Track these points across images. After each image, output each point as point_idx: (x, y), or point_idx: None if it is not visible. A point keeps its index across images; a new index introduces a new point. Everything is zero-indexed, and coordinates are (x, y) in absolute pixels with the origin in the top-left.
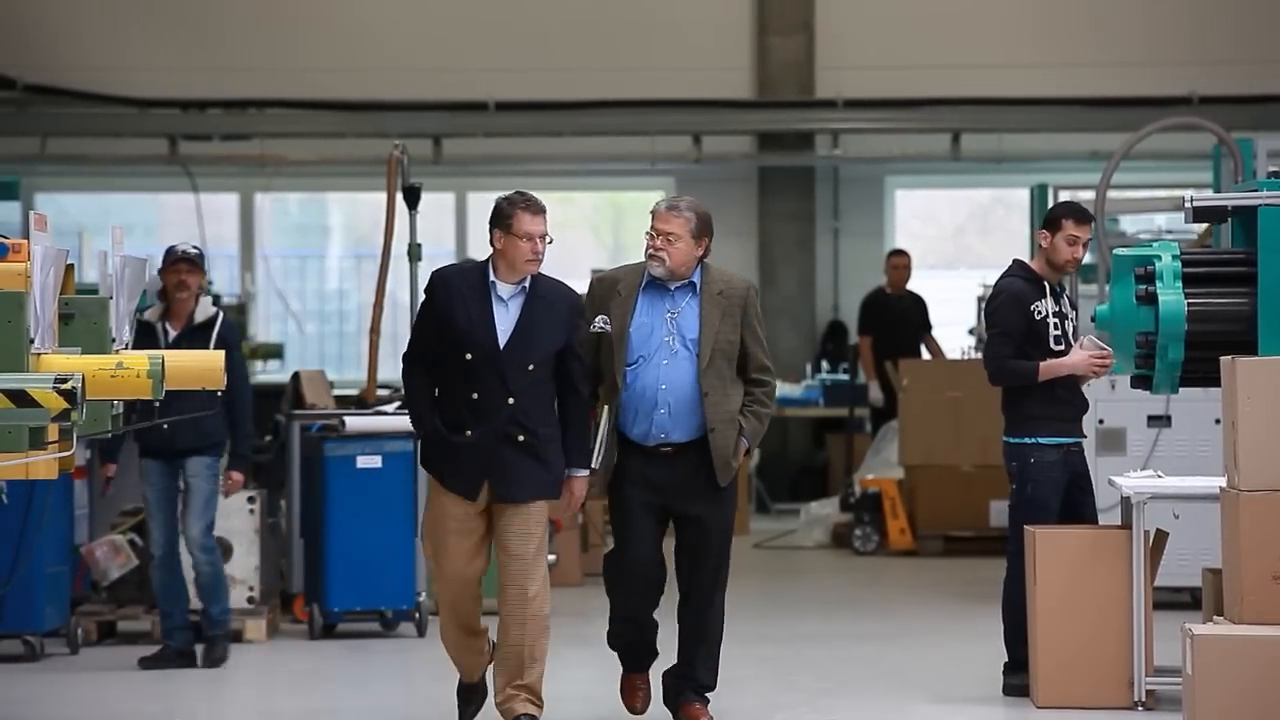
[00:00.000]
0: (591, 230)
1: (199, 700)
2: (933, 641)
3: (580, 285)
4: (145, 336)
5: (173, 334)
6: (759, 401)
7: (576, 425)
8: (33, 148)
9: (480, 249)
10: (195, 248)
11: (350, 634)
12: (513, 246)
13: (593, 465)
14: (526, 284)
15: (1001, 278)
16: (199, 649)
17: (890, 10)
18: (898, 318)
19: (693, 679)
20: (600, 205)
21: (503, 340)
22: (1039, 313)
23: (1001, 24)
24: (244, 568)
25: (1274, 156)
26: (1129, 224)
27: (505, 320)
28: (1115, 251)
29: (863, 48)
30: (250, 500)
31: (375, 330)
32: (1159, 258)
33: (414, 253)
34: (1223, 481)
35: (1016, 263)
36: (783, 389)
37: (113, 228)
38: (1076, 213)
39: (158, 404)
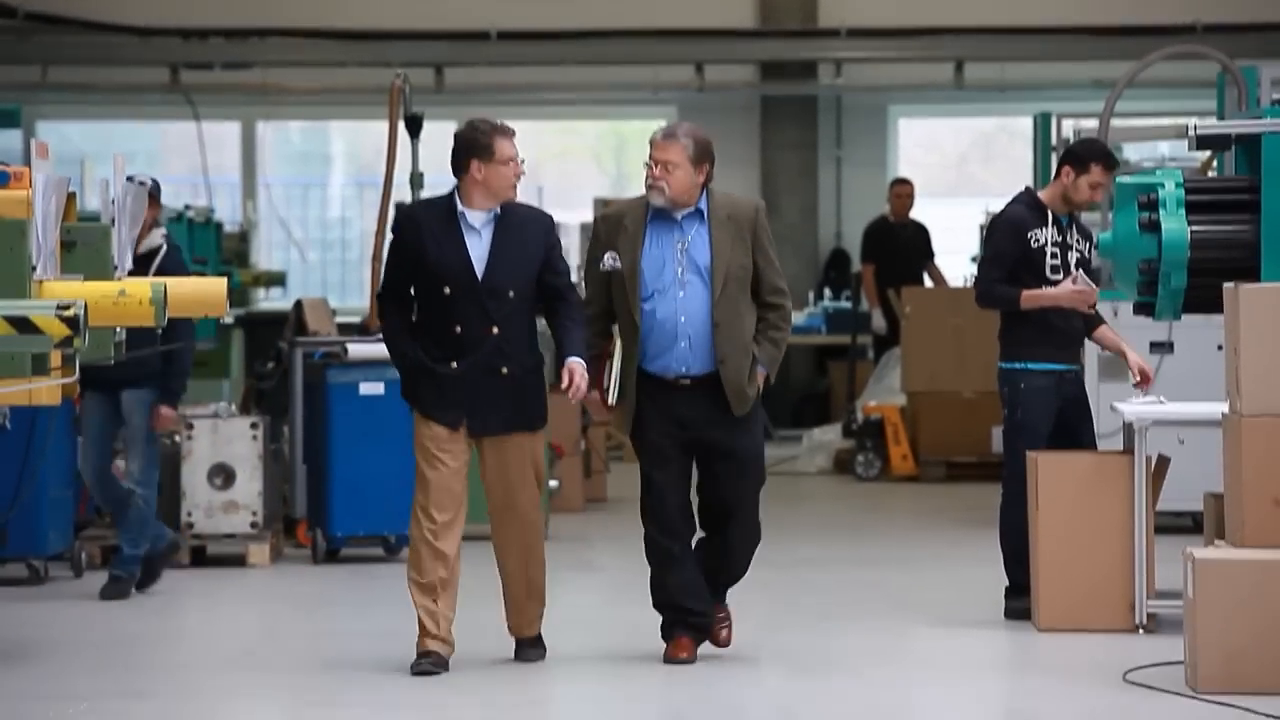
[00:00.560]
0: (594, 159)
1: (201, 625)
2: (934, 566)
3: (584, 214)
4: None
5: None
6: (774, 326)
7: (573, 323)
8: (34, 76)
9: (444, 184)
10: (151, 179)
11: (353, 559)
12: (495, 174)
13: (609, 401)
14: (497, 210)
15: (1007, 204)
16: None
17: None
18: (900, 246)
19: (715, 585)
20: (603, 134)
21: (480, 270)
22: (1036, 240)
23: None
24: (247, 493)
25: (1278, 84)
26: (1132, 152)
27: (480, 249)
28: (1118, 179)
29: None
30: (253, 427)
31: (377, 258)
32: (1162, 185)
33: (416, 181)
34: (1224, 407)
35: (1025, 190)
36: None
37: (114, 156)
38: (1107, 157)
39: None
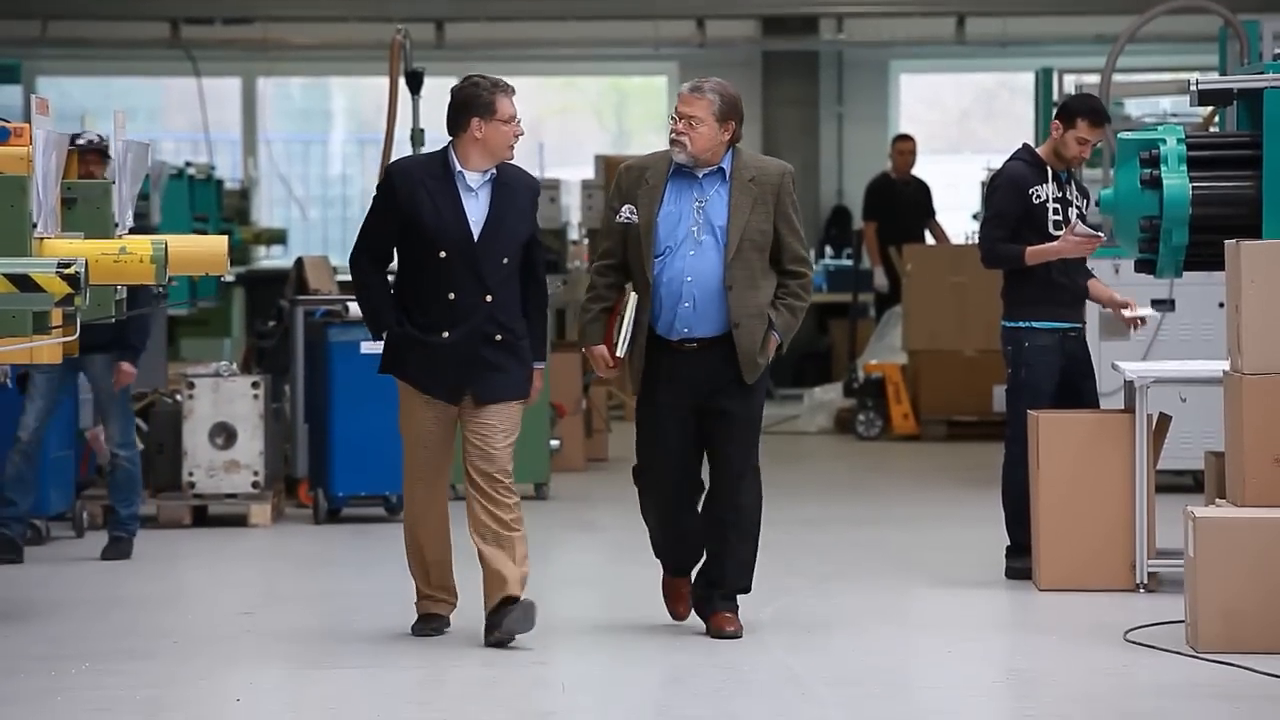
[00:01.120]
0: (595, 114)
1: (204, 585)
2: (935, 526)
3: (585, 170)
4: None
5: None
6: (792, 294)
7: (537, 317)
8: (34, 31)
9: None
10: (102, 138)
11: (354, 518)
12: (496, 132)
13: (617, 353)
14: (494, 171)
15: (1006, 161)
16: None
17: None
18: (902, 203)
19: (722, 583)
20: (604, 90)
21: (476, 233)
22: (1037, 197)
23: None
24: (248, 453)
25: None
26: (1134, 107)
27: (476, 212)
28: (1120, 135)
29: None
30: (254, 386)
31: None
32: (1164, 141)
33: (417, 138)
34: (1225, 365)
35: (1024, 146)
36: None
37: (115, 112)
38: (1093, 114)
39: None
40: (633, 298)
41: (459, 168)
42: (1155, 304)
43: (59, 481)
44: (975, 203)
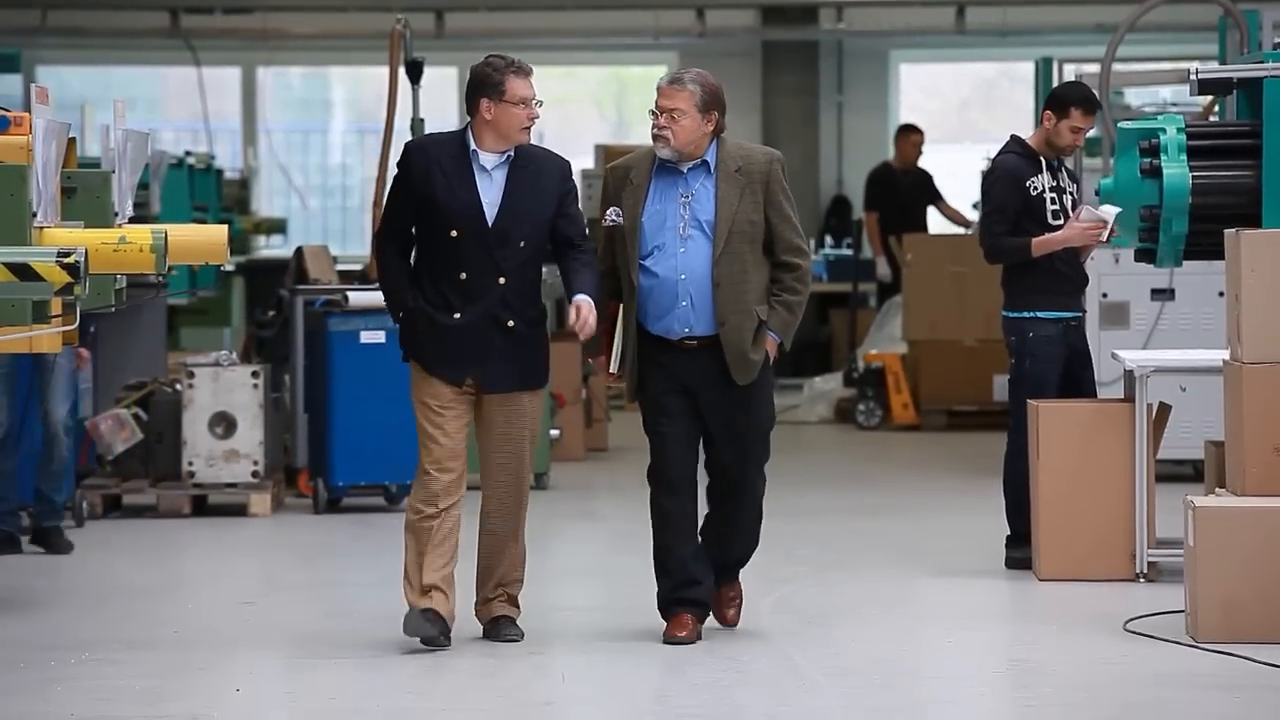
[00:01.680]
0: (594, 104)
1: (203, 575)
2: (935, 515)
3: (585, 160)
4: None
5: None
6: (788, 289)
7: (583, 265)
8: (33, 20)
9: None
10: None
11: (354, 508)
12: (506, 114)
13: (611, 369)
14: (511, 153)
15: (998, 155)
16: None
17: None
18: (903, 193)
19: (724, 563)
20: (603, 79)
21: (490, 215)
22: (1035, 188)
23: None
24: (248, 442)
25: None
26: (1134, 97)
27: (491, 192)
28: (1120, 124)
29: None
30: (254, 375)
31: (378, 205)
32: (1164, 131)
33: (417, 127)
34: (1225, 354)
35: (1013, 138)
36: None
37: (115, 101)
38: (1085, 101)
39: None
40: (623, 310)
41: (474, 147)
42: (1155, 294)
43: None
44: (975, 192)
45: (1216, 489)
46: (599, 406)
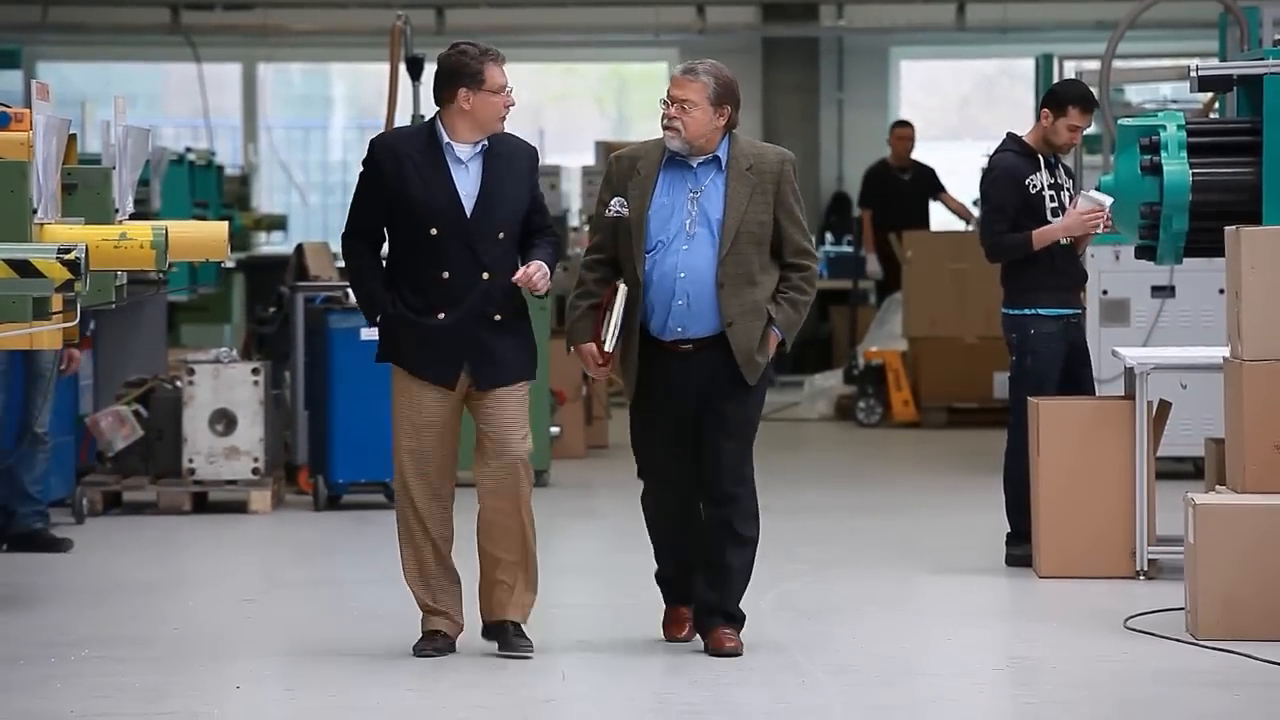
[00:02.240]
0: (595, 101)
1: (204, 572)
2: (935, 513)
3: (584, 158)
4: None
5: None
6: (794, 288)
7: (546, 244)
8: (34, 16)
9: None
10: None
11: (354, 505)
12: (485, 103)
13: (606, 348)
14: (485, 142)
15: (995, 153)
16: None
17: None
18: (900, 191)
19: (720, 603)
20: (604, 76)
21: (469, 207)
22: (1034, 186)
23: None
24: (248, 439)
25: None
26: (1134, 94)
27: (468, 184)
28: (1120, 121)
29: None
30: (254, 372)
31: None
32: (1164, 127)
33: (417, 124)
34: (1226, 351)
35: (1010, 136)
36: None
37: (115, 97)
38: (1083, 101)
39: None
40: (622, 289)
41: (447, 139)
42: (1155, 291)
43: (59, 467)
44: (975, 189)
45: (1216, 486)
46: (599, 404)
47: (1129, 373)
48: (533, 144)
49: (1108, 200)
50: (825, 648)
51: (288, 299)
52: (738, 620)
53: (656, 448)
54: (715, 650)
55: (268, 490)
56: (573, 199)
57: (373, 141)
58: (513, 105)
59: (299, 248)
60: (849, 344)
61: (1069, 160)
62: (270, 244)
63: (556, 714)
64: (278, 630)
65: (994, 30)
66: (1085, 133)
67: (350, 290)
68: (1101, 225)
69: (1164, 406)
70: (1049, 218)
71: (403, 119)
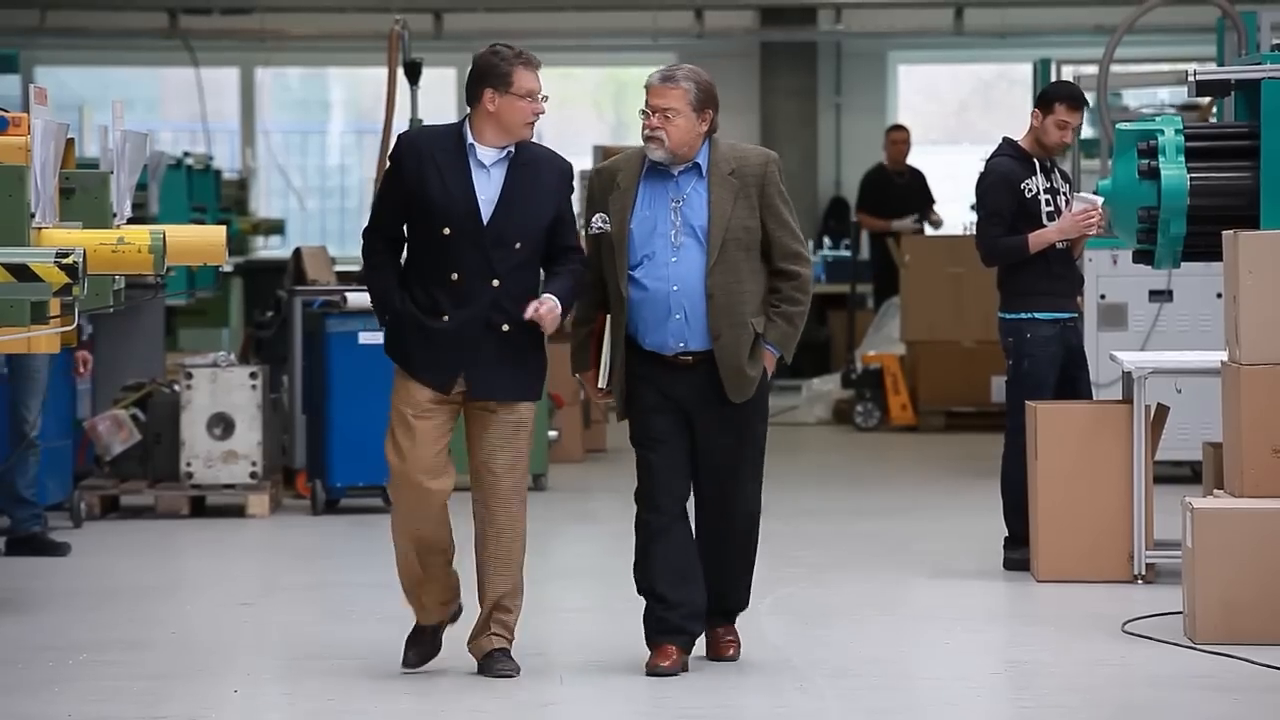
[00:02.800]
0: (593, 106)
1: (201, 576)
2: (934, 517)
3: (582, 162)
4: None
5: None
6: (787, 299)
7: (566, 274)
8: (32, 20)
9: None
10: None
11: (352, 509)
12: (510, 107)
13: (600, 384)
14: (512, 149)
15: (990, 158)
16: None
17: None
18: (897, 194)
19: (721, 608)
20: (601, 81)
21: (486, 212)
22: (1029, 190)
23: None
24: (246, 443)
25: (1278, 29)
26: (1132, 98)
27: (488, 189)
28: (1118, 126)
29: None
30: (252, 376)
31: None
32: (1162, 132)
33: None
34: (1224, 356)
35: (1006, 141)
36: None
37: (113, 102)
38: (1070, 97)
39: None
40: (610, 323)
41: (472, 140)
42: (1153, 295)
43: (57, 471)
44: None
45: (1214, 490)
46: (597, 408)
47: (1127, 377)
48: (569, 161)
49: (1099, 199)
50: (823, 651)
51: (286, 303)
52: (732, 620)
53: (658, 451)
54: (715, 656)
55: (265, 494)
56: (574, 206)
57: (400, 137)
58: (541, 113)
59: (297, 252)
60: (847, 348)
61: (1066, 165)
62: (268, 248)
63: (555, 717)
64: (276, 634)
65: (992, 35)
66: (1082, 137)
67: (347, 295)
68: (1096, 226)
69: (1162, 410)
70: (1045, 222)
71: (401, 123)
